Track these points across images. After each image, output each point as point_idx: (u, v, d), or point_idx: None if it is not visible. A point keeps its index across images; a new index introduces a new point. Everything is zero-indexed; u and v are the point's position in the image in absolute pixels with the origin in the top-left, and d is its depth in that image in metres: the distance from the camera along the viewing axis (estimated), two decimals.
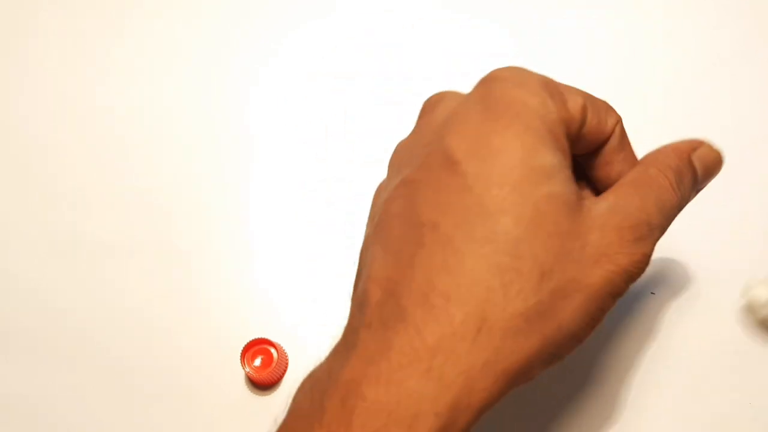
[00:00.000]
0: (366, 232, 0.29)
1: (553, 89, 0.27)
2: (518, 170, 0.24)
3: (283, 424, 0.25)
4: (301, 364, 0.38)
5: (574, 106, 0.27)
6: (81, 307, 0.40)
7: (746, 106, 0.43)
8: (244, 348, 0.37)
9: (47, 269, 0.41)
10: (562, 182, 0.25)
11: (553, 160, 0.25)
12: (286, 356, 0.38)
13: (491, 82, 0.27)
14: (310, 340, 0.38)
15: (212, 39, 0.48)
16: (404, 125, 0.44)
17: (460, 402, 0.23)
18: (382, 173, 0.42)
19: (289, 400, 0.25)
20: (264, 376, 0.37)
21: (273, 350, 0.37)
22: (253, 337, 0.37)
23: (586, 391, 0.36)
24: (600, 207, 0.26)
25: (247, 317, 0.39)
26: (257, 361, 0.37)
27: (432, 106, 0.29)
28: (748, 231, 0.40)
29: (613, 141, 0.29)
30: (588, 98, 0.28)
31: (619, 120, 0.29)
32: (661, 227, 0.27)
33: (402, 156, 0.29)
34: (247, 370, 0.37)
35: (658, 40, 0.46)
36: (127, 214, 0.43)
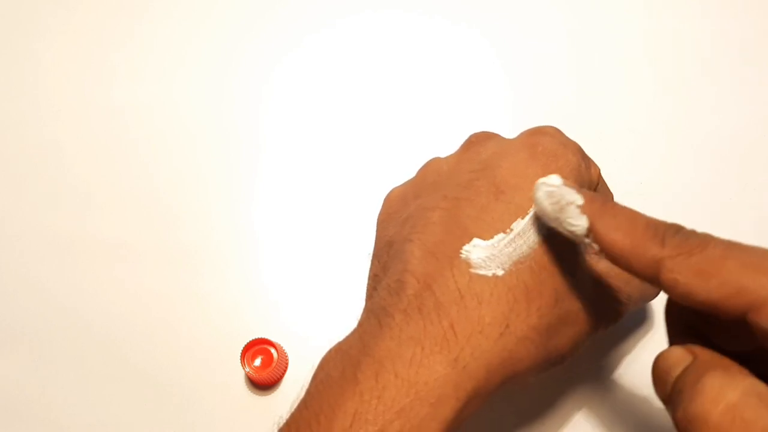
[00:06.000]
0: (389, 230, 0.32)
1: (584, 154, 0.32)
2: None
3: (310, 391, 0.27)
4: (301, 364, 0.38)
5: (595, 171, 0.32)
6: (82, 306, 0.40)
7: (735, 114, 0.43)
8: (244, 348, 0.37)
9: (50, 267, 0.41)
10: None
11: None
12: (286, 356, 0.38)
13: (540, 135, 0.31)
14: (310, 340, 0.38)
15: (221, 40, 0.48)
16: (403, 129, 0.45)
17: (478, 390, 0.26)
18: (383, 176, 0.42)
19: (305, 382, 0.27)
20: (264, 376, 0.37)
21: (273, 350, 0.37)
22: (253, 337, 0.37)
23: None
24: (602, 265, 0.31)
25: (247, 317, 0.39)
26: (257, 361, 0.37)
27: (480, 140, 0.33)
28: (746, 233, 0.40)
29: None
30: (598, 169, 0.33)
31: (612, 197, 0.35)
32: (635, 304, 0.33)
33: (441, 173, 0.33)
34: (247, 370, 0.37)
35: (635, 50, 0.46)
36: (129, 214, 0.43)
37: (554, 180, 0.28)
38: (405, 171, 0.36)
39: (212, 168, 0.44)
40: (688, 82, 0.44)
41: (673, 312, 0.27)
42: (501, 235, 0.28)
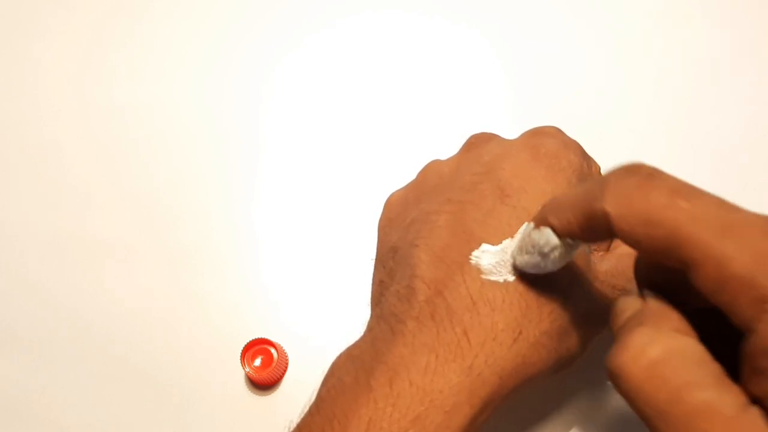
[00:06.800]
0: (392, 235, 0.31)
1: (585, 153, 0.32)
2: None
3: (321, 396, 0.27)
4: (301, 364, 0.38)
5: (595, 169, 0.32)
6: (82, 306, 0.40)
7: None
8: (244, 348, 0.37)
9: (50, 267, 0.41)
10: None
11: None
12: (286, 356, 0.38)
13: (541, 136, 0.31)
14: (310, 340, 0.38)
15: (221, 40, 0.48)
16: (403, 128, 0.45)
17: (492, 397, 0.26)
18: (382, 174, 0.42)
19: (315, 384, 0.27)
20: (264, 376, 0.37)
21: (273, 350, 0.37)
22: (253, 337, 0.37)
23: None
24: (604, 264, 0.31)
25: (247, 317, 0.39)
26: (257, 361, 0.37)
27: (481, 142, 0.33)
28: None
29: None
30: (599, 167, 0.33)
31: None
32: None
33: (442, 176, 0.33)
34: (247, 370, 0.37)
35: (635, 50, 0.46)
36: (129, 214, 0.43)
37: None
38: (406, 169, 0.36)
39: (212, 168, 0.44)
40: (688, 82, 0.44)
41: (640, 269, 0.26)
42: (509, 240, 0.28)
